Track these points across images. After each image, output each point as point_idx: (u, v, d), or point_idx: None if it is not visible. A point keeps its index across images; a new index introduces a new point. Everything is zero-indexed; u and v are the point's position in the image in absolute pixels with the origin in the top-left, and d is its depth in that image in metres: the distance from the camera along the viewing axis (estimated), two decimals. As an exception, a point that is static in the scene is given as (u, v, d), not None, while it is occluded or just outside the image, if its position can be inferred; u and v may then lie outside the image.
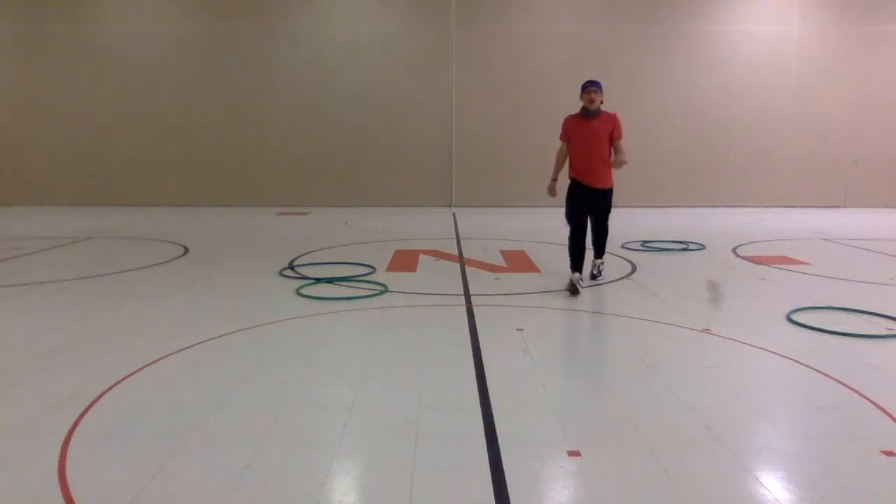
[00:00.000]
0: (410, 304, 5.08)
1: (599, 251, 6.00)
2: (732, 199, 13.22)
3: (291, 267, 6.56)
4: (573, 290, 5.37)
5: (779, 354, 3.88)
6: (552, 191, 5.80)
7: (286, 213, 12.02)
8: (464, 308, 4.95)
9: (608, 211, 5.84)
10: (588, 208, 5.68)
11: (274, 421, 2.94)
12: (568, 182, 5.70)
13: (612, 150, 5.58)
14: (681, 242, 8.15)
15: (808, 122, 13.10)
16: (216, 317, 4.71)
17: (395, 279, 5.92)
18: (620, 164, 5.46)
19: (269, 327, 4.45)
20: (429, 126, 13.06)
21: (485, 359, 3.78)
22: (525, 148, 12.75)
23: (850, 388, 3.34)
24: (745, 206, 12.99)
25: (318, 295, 5.32)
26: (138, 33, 12.93)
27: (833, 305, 5.03)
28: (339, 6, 12.98)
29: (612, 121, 5.53)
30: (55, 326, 4.48)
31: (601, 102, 5.52)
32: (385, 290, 5.49)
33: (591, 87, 5.50)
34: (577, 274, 5.52)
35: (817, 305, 5.04)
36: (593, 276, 5.93)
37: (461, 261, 7.07)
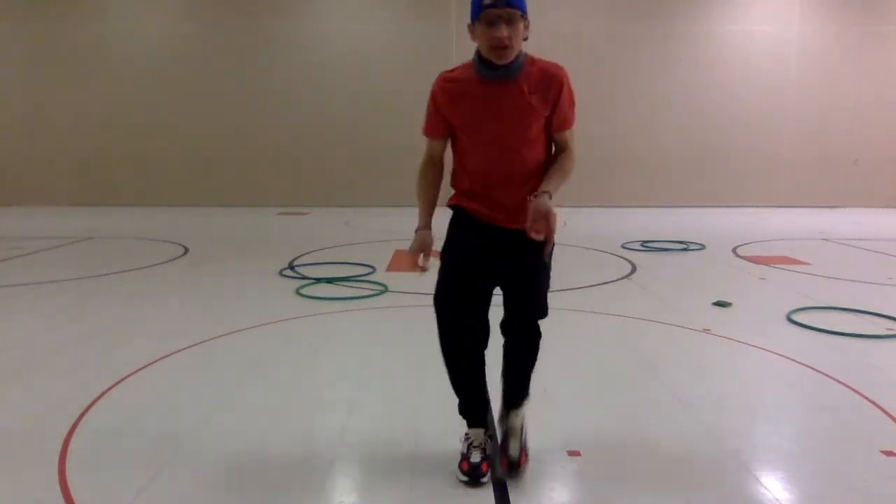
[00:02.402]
0: (410, 304, 5.07)
1: (516, 393, 2.48)
2: (732, 199, 13.21)
3: (291, 267, 6.56)
4: (475, 472, 2.35)
5: (779, 354, 3.88)
6: (420, 261, 2.44)
7: (286, 213, 12.02)
8: (464, 308, 4.94)
9: (539, 289, 2.38)
10: (489, 275, 2.37)
11: (274, 421, 2.94)
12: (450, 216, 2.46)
13: (551, 151, 2.37)
14: (681, 242, 8.15)
15: (808, 122, 13.10)
16: (216, 317, 4.71)
17: (395, 279, 5.92)
18: (550, 187, 2.18)
19: (269, 327, 4.44)
20: (429, 126, 13.05)
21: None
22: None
23: (850, 388, 3.33)
24: (745, 206, 12.99)
25: (318, 295, 5.32)
26: (138, 33, 12.92)
27: (833, 305, 5.03)
28: (339, 6, 12.97)
29: (552, 83, 2.24)
30: (55, 326, 4.48)
31: (525, 39, 2.19)
32: (385, 290, 5.49)
33: (494, 7, 2.10)
34: (478, 431, 2.48)
35: (817, 305, 5.03)
36: (510, 465, 2.40)
37: (461, 261, 7.05)
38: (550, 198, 2.14)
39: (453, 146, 2.40)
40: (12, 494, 2.33)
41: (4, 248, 7.75)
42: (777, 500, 2.30)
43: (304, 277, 6.04)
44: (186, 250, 7.64)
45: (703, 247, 7.95)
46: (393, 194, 13.07)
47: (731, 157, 13.21)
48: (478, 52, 2.23)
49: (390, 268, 6.57)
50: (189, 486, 2.38)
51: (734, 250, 7.77)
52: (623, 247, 7.85)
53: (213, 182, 13.18)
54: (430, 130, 2.39)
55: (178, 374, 3.57)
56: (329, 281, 5.88)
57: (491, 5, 2.10)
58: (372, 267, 6.45)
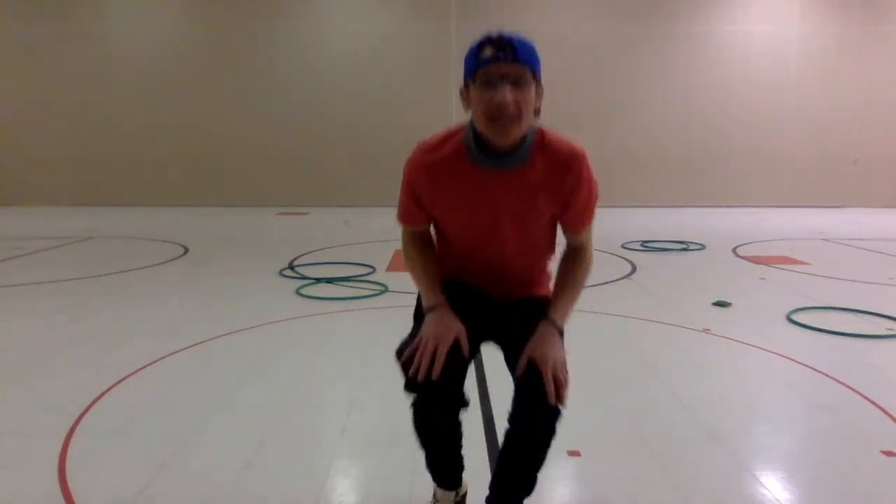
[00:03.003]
0: (410, 304, 5.07)
1: (515, 489, 1.85)
2: (732, 199, 13.22)
3: (291, 267, 6.56)
4: None
5: (779, 354, 3.88)
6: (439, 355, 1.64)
7: (286, 213, 12.02)
8: (464, 308, 4.93)
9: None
10: (474, 331, 1.78)
11: (274, 421, 2.94)
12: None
13: (555, 237, 1.88)
14: (681, 242, 8.15)
15: (808, 122, 13.10)
16: (216, 317, 4.71)
17: (395, 279, 5.91)
18: (558, 315, 1.74)
19: (269, 327, 4.44)
20: (429, 126, 12.87)
21: (484, 359, 3.77)
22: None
23: (850, 388, 3.33)
24: (745, 206, 12.99)
25: (318, 295, 5.32)
26: (138, 33, 12.93)
27: (833, 305, 5.03)
28: (339, 6, 12.98)
29: (567, 175, 1.65)
30: (55, 326, 4.47)
31: (537, 112, 1.60)
32: (385, 290, 5.49)
33: (496, 61, 1.50)
34: (448, 494, 2.11)
35: (817, 305, 5.03)
36: None
37: (461, 261, 7.05)
38: (560, 331, 1.69)
39: (434, 226, 1.89)
40: (12, 494, 2.33)
41: (4, 248, 7.75)
42: (777, 500, 2.30)
43: (304, 277, 6.04)
44: (186, 250, 7.64)
45: (703, 247, 7.95)
46: (393, 194, 13.02)
47: (731, 157, 13.21)
48: (472, 126, 1.63)
49: (390, 268, 6.57)
50: (189, 487, 2.37)
51: (734, 250, 7.77)
52: (623, 247, 7.85)
53: (213, 182, 13.18)
54: (407, 218, 1.84)
55: (178, 374, 3.57)
56: (329, 281, 5.88)
57: (492, 59, 1.51)
58: (372, 267, 6.45)
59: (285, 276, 6.14)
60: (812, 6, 12.87)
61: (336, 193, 13.16)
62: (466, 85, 1.59)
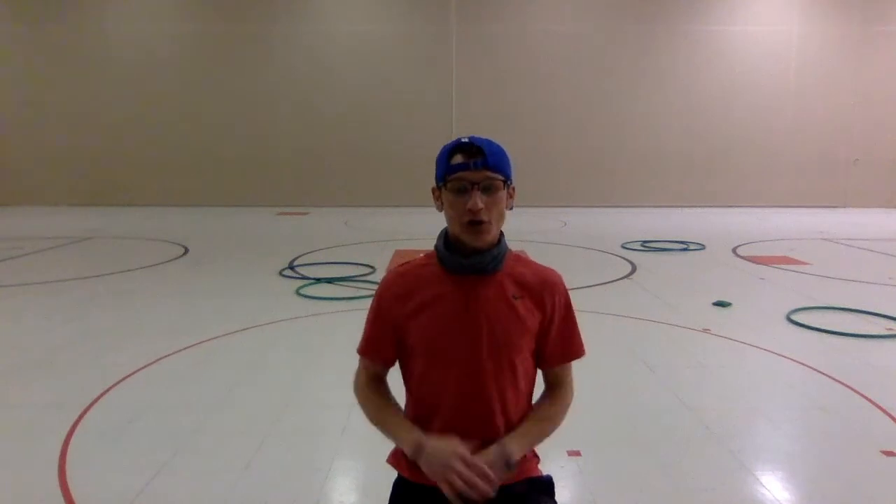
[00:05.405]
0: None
1: None
2: (732, 199, 13.22)
3: (291, 267, 6.56)
4: None
5: (779, 354, 3.88)
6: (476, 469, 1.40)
7: (286, 213, 12.02)
8: (464, 308, 4.93)
9: None
10: None
11: (274, 421, 2.94)
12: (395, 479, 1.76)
13: (531, 399, 1.64)
14: (681, 242, 8.14)
15: (808, 122, 13.10)
16: (216, 317, 4.71)
17: (395, 279, 5.90)
18: (515, 445, 1.50)
19: (269, 327, 4.44)
20: (428, 125, 13.06)
21: None
22: (525, 147, 12.72)
23: (850, 388, 3.34)
24: (745, 206, 12.99)
25: (318, 295, 5.32)
26: (138, 33, 12.93)
27: (833, 305, 5.03)
28: (339, 6, 12.98)
29: (549, 290, 1.57)
30: (55, 326, 4.47)
31: (509, 208, 1.59)
32: (385, 290, 5.48)
33: (466, 168, 1.49)
34: None
35: (817, 305, 5.03)
36: None
37: (461, 261, 7.05)
38: (511, 464, 1.47)
39: (405, 380, 1.66)
40: (12, 494, 2.33)
41: (4, 248, 7.74)
42: (777, 500, 2.30)
43: (304, 277, 6.04)
44: (186, 250, 7.64)
45: (703, 247, 7.95)
46: (392, 194, 13.10)
47: (731, 157, 13.22)
48: (443, 235, 1.61)
49: (390, 268, 6.58)
50: (189, 486, 2.37)
51: (734, 250, 7.77)
52: (623, 247, 7.85)
53: (213, 182, 13.18)
54: (369, 348, 1.62)
55: (178, 374, 3.57)
56: (329, 281, 5.88)
57: (462, 166, 1.49)
58: (372, 267, 6.45)
59: (285, 276, 6.14)
60: (812, 6, 12.88)
61: (336, 193, 13.16)
62: (438, 187, 1.56)
